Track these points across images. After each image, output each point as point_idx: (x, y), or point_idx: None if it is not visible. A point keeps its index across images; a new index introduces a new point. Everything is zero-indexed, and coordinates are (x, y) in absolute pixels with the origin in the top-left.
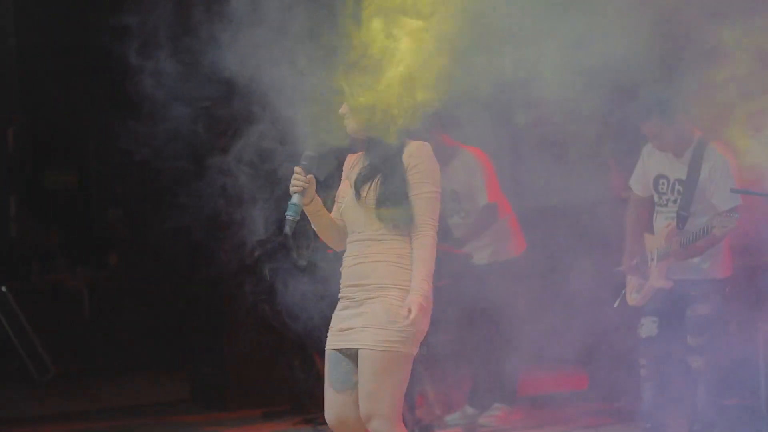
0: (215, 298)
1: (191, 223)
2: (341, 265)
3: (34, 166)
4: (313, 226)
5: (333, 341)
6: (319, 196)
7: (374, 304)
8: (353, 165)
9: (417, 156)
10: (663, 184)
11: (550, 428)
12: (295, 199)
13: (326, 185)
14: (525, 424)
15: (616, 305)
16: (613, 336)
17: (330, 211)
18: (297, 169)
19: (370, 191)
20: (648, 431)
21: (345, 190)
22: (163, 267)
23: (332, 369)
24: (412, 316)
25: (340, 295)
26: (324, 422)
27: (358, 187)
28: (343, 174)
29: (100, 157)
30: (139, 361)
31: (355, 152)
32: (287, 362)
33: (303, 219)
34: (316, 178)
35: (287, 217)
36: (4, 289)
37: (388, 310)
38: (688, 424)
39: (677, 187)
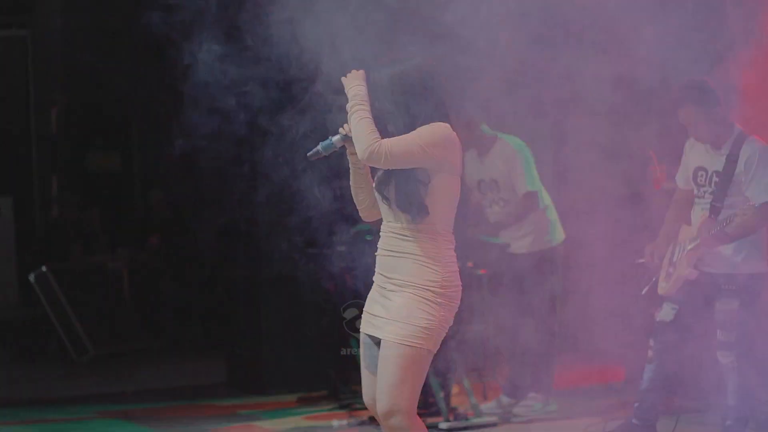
0: (254, 282)
1: (232, 207)
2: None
3: (76, 147)
4: (350, 182)
5: (364, 324)
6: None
7: (398, 298)
8: None
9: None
10: (701, 176)
11: (585, 419)
12: (335, 137)
13: None
14: (560, 414)
15: (643, 292)
16: (650, 327)
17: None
18: None
19: (391, 190)
20: (636, 410)
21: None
22: (202, 250)
23: (366, 352)
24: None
25: (374, 277)
26: (359, 408)
27: (380, 187)
28: None
29: (143, 138)
30: (176, 344)
31: None
32: (324, 347)
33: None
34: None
35: (318, 146)
36: (44, 269)
37: (410, 306)
38: (720, 419)
39: (714, 179)
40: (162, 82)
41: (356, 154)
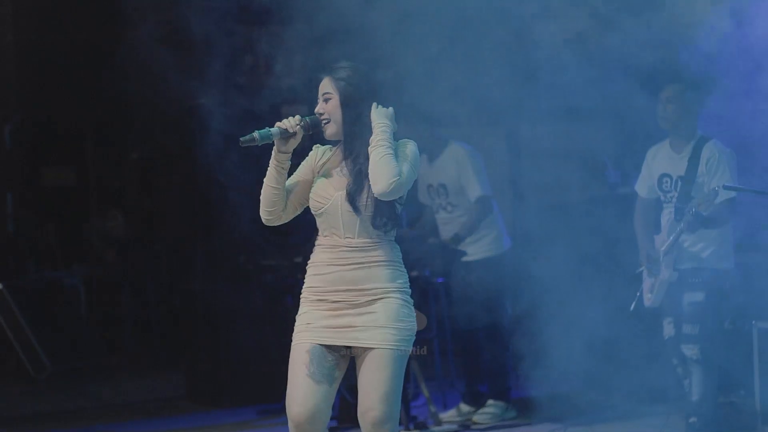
0: (212, 295)
1: (188, 219)
2: (310, 265)
3: (31, 163)
4: (265, 179)
5: (320, 336)
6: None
7: (380, 305)
8: (326, 161)
9: (402, 145)
10: (667, 182)
11: (544, 425)
12: (273, 129)
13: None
14: (520, 421)
15: (632, 308)
16: (609, 332)
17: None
18: (297, 116)
19: (368, 201)
20: (694, 425)
21: (326, 190)
22: (159, 264)
23: (314, 361)
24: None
25: (315, 297)
26: None
27: (353, 199)
28: (310, 165)
29: (98, 154)
30: (135, 359)
31: (323, 144)
32: (283, 360)
33: None
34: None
35: (254, 133)
36: (0, 286)
37: (397, 310)
38: (684, 416)
39: (680, 183)
40: (116, 96)
41: (285, 152)
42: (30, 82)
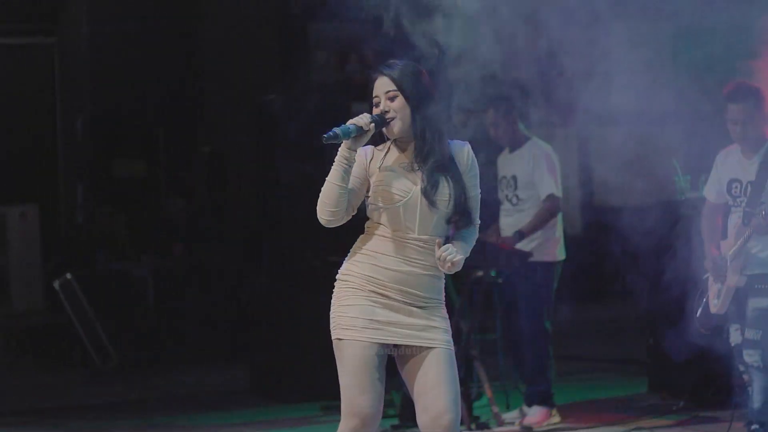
0: (277, 289)
1: (255, 214)
2: (367, 252)
3: (102, 155)
4: (330, 178)
5: (385, 335)
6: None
7: (438, 310)
8: (382, 158)
9: (472, 158)
10: (736, 187)
11: (606, 428)
12: (350, 126)
13: None
14: (581, 423)
15: (698, 314)
16: (673, 336)
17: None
18: (367, 114)
19: (450, 201)
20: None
21: (405, 183)
22: (226, 258)
23: (381, 365)
24: (456, 264)
25: (372, 288)
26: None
27: (430, 195)
28: (362, 165)
29: (169, 146)
30: (200, 351)
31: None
32: None
33: None
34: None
35: (334, 129)
36: (69, 276)
37: (446, 318)
38: (745, 423)
39: (749, 188)
40: (188, 89)
41: (354, 150)
42: (103, 74)
